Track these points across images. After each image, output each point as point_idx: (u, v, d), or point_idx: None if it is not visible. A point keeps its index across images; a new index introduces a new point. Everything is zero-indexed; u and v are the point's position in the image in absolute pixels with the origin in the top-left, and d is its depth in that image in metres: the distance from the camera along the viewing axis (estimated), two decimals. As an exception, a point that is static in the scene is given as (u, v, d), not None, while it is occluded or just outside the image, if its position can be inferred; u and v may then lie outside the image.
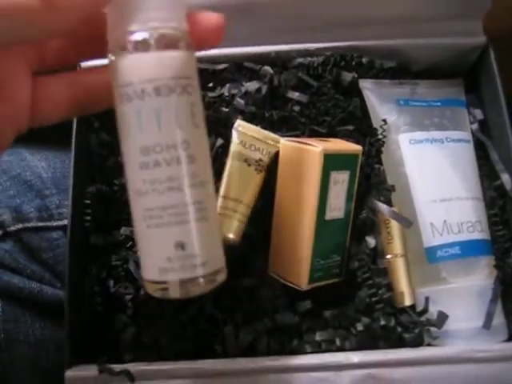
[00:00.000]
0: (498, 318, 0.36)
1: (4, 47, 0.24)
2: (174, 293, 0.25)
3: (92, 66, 0.31)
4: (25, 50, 0.27)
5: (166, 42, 0.25)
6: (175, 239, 0.25)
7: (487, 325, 0.35)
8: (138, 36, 0.24)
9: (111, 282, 0.37)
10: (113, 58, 0.25)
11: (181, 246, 0.25)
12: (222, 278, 0.27)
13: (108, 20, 0.25)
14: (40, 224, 0.41)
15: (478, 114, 0.41)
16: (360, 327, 0.35)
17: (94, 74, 0.29)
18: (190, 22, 0.27)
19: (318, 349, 0.34)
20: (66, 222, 0.39)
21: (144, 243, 0.26)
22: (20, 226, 0.40)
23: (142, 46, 0.24)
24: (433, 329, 0.35)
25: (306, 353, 0.34)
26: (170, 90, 0.24)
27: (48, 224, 0.41)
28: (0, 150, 0.26)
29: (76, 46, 0.29)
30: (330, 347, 0.34)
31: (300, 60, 0.40)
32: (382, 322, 0.34)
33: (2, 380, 0.38)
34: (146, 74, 0.24)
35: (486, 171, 0.40)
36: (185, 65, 0.25)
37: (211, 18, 0.28)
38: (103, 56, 0.27)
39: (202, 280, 0.25)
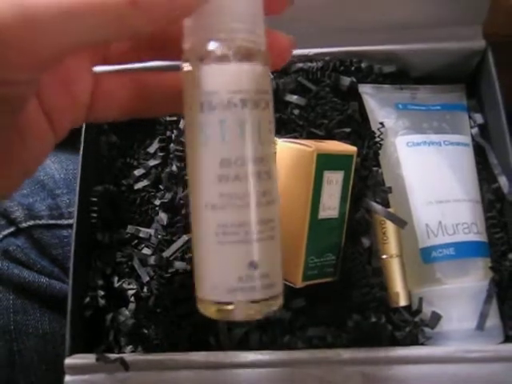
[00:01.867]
0: (494, 321, 0.36)
1: (88, 44, 0.23)
2: (239, 315, 0.24)
3: (151, 67, 0.31)
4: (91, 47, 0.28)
5: (255, 55, 0.24)
6: (250, 258, 0.24)
7: (480, 326, 0.35)
8: (226, 46, 0.24)
9: (115, 278, 0.39)
10: (190, 65, 0.25)
11: (254, 265, 0.24)
12: (280, 302, 0.26)
13: (187, 26, 0.25)
14: (51, 222, 0.43)
15: (479, 118, 0.42)
16: (351, 324, 0.35)
17: (155, 77, 0.29)
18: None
19: (309, 345, 0.35)
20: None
21: (211, 260, 0.25)
22: (32, 222, 0.42)
23: (231, 56, 0.24)
24: (426, 329, 0.36)
25: (297, 348, 0.35)
26: (255, 104, 0.24)
27: (59, 222, 0.43)
28: (56, 139, 0.27)
29: (141, 46, 0.29)
30: (321, 343, 0.35)
31: (300, 65, 0.41)
32: (373, 320, 0.35)
33: (11, 370, 0.40)
34: (234, 85, 0.24)
35: (485, 175, 0.40)
36: (268, 80, 0.25)
37: (284, 39, 0.28)
38: (165, 58, 0.28)
39: (270, 302, 0.25)
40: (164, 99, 0.29)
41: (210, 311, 0.25)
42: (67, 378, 0.34)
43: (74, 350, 0.35)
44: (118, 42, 0.29)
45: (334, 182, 0.36)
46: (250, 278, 0.24)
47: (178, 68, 0.26)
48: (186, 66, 0.25)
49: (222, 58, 0.24)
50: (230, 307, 0.24)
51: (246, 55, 0.24)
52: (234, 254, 0.24)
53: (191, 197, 0.25)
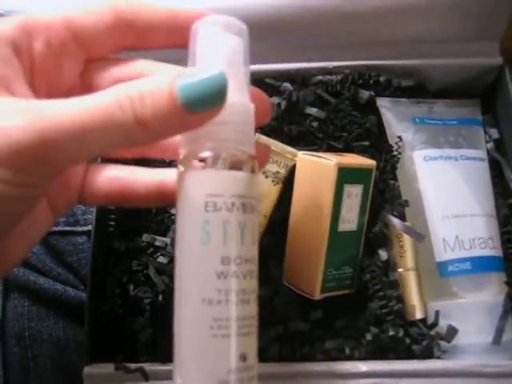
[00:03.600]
0: (509, 335, 0.36)
1: (94, 155, 0.26)
2: None
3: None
4: None
5: (245, 164, 0.26)
6: (241, 351, 0.25)
7: (496, 341, 0.35)
8: (219, 154, 0.25)
9: (131, 286, 0.39)
10: (187, 167, 0.26)
11: (243, 357, 0.25)
12: None
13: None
14: (66, 228, 0.43)
15: (494, 133, 0.42)
16: (369, 337, 0.35)
17: (141, 173, 0.30)
18: None
19: (327, 357, 0.35)
20: (90, 227, 0.41)
21: (204, 351, 0.25)
22: (48, 229, 0.42)
23: (225, 164, 0.25)
24: (442, 342, 0.36)
25: (315, 360, 0.35)
26: (252, 208, 0.26)
27: (74, 229, 0.43)
28: (55, 217, 0.29)
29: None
30: (339, 356, 0.35)
31: (319, 77, 0.41)
32: (391, 333, 0.35)
33: (25, 377, 0.40)
34: (238, 191, 0.25)
35: (500, 189, 0.40)
36: (257, 185, 0.27)
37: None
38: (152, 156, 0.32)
39: None
40: (149, 194, 0.30)
41: None
42: (85, 387, 0.34)
43: (92, 359, 0.35)
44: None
45: (353, 195, 0.36)
46: (239, 371, 0.25)
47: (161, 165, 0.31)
48: (182, 168, 0.26)
49: (217, 166, 0.25)
50: None
51: (252, 165, 0.26)
52: (226, 347, 0.25)
53: (184, 289, 0.25)
